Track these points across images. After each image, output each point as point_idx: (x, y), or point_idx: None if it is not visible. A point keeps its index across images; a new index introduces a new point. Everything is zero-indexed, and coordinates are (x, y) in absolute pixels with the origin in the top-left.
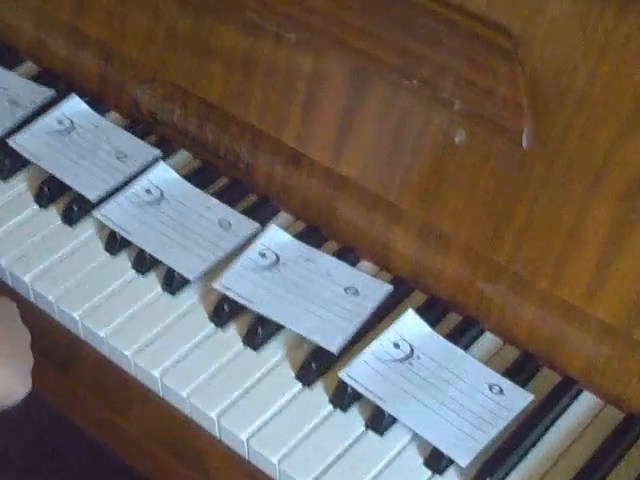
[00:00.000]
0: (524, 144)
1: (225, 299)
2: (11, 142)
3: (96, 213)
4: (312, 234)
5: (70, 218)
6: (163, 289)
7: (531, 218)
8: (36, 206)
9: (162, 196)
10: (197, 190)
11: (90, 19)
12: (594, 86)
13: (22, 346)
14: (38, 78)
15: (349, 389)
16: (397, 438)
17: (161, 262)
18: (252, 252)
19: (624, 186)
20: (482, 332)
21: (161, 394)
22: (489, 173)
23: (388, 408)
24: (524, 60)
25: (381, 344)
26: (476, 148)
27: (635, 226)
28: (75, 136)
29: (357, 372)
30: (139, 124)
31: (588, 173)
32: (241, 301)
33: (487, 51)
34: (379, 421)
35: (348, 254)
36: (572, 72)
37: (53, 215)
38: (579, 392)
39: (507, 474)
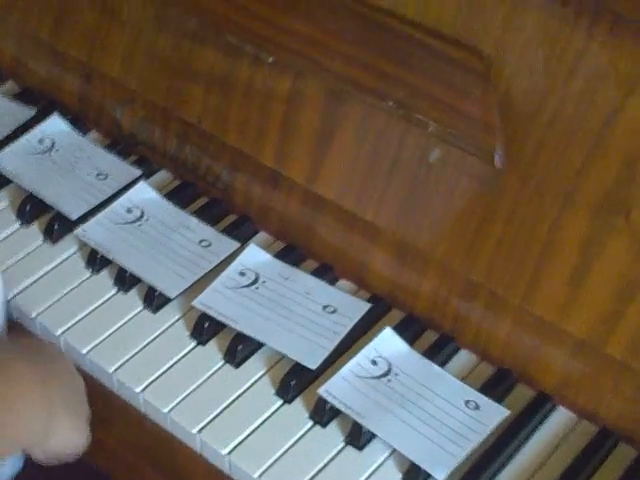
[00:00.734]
0: (497, 163)
1: (205, 317)
2: None
3: (77, 232)
4: (291, 253)
5: (51, 236)
6: (144, 307)
7: (505, 236)
8: (17, 224)
9: (142, 215)
10: (177, 210)
11: (70, 39)
12: (565, 106)
13: (81, 396)
14: (19, 97)
15: (328, 405)
16: (376, 453)
17: (142, 280)
18: (232, 271)
19: (595, 203)
20: (458, 349)
21: (143, 410)
22: (463, 192)
23: (367, 424)
24: (496, 81)
25: (359, 361)
26: (450, 167)
27: (606, 242)
28: (56, 155)
29: (336, 389)
30: (120, 144)
31: (560, 191)
32: (221, 319)
33: (460, 73)
34: (358, 437)
35: (326, 273)
36: (543, 92)
37: (35, 233)
38: (554, 407)
39: None
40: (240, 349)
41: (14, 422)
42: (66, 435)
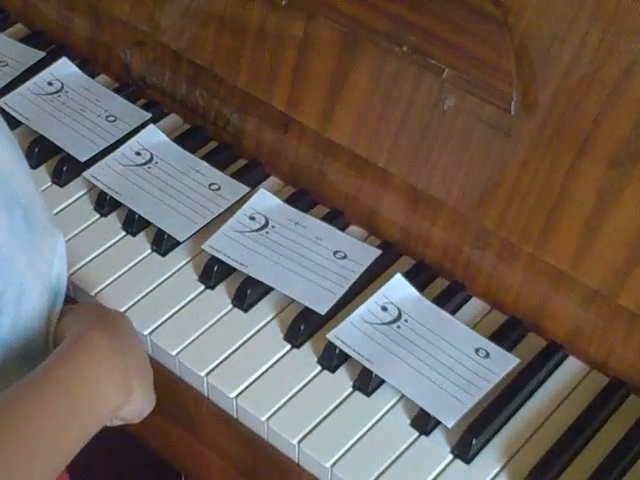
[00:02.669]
0: (512, 111)
1: (214, 260)
2: (1, 103)
3: (86, 174)
4: (301, 198)
5: (60, 178)
6: (153, 250)
7: (519, 184)
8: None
9: (152, 158)
10: (187, 153)
11: None
12: (582, 54)
13: (145, 361)
14: (28, 40)
15: (337, 350)
16: (384, 399)
17: (151, 223)
18: (241, 215)
19: (611, 153)
20: (469, 297)
21: (151, 352)
22: (478, 139)
23: (375, 369)
24: (513, 28)
25: (369, 307)
26: (465, 114)
27: (621, 192)
28: (65, 98)
29: (345, 334)
30: (129, 87)
31: (576, 140)
32: (230, 263)
33: (477, 18)
34: (366, 382)
35: (337, 219)
36: (561, 40)
37: (43, 175)
38: (565, 357)
39: (492, 436)
40: (249, 293)
41: (94, 402)
42: (138, 402)
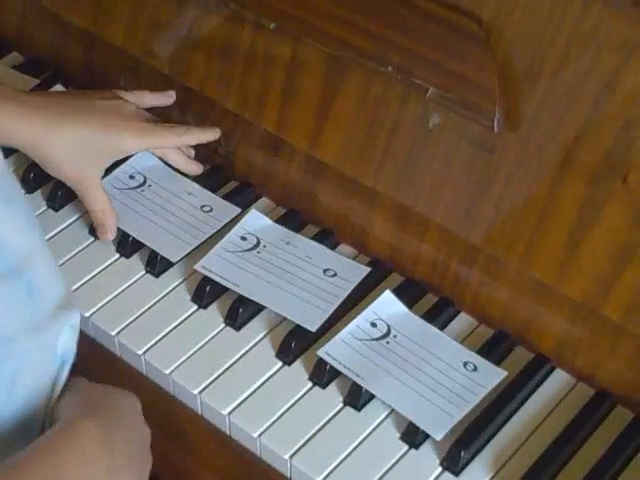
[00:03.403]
0: (495, 128)
1: (207, 281)
2: None
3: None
4: (292, 219)
5: (54, 203)
6: (146, 271)
7: (503, 200)
8: (22, 191)
9: (145, 181)
10: (179, 176)
11: (74, 8)
12: (564, 72)
13: (144, 450)
14: (24, 68)
15: (328, 367)
16: (374, 414)
17: (144, 245)
18: (233, 236)
19: (593, 167)
20: (457, 312)
21: (145, 372)
22: (463, 156)
23: (365, 385)
24: (495, 47)
25: (359, 324)
26: (450, 132)
27: (603, 205)
28: None
29: (335, 350)
30: None
31: (558, 155)
32: (222, 282)
33: (459, 38)
34: (357, 397)
35: (327, 238)
36: (542, 58)
37: (38, 200)
38: (551, 369)
39: (481, 448)
40: (241, 312)
41: None
42: None
